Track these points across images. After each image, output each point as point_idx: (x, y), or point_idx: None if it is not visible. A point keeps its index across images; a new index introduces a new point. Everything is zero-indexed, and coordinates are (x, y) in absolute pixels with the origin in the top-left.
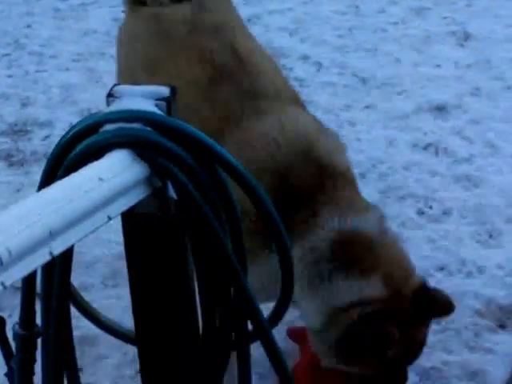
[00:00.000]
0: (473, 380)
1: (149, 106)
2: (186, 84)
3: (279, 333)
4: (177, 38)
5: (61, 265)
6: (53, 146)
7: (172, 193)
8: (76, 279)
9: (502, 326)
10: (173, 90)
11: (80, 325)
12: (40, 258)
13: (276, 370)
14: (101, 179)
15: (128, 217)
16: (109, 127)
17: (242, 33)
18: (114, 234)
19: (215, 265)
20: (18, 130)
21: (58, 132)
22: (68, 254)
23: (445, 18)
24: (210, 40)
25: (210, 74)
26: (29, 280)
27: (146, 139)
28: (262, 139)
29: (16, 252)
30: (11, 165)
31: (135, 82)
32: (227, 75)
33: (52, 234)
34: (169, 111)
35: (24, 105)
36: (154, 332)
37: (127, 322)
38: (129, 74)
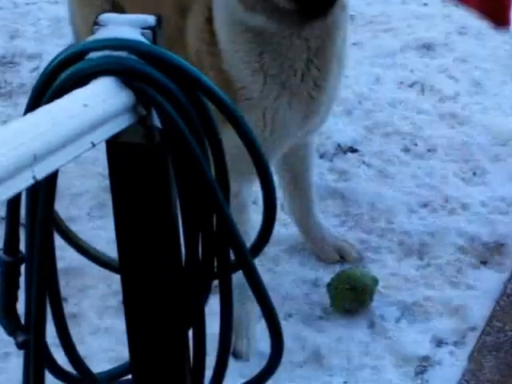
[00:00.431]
0: (454, 316)
1: (135, 35)
2: None
3: (261, 266)
4: None
5: (44, 191)
6: None
7: (156, 121)
8: (62, 211)
9: (484, 263)
10: (158, 19)
11: (65, 255)
12: (23, 182)
13: (258, 300)
14: (85, 105)
15: (112, 145)
16: (94, 55)
17: None
18: (102, 167)
19: (198, 193)
20: (7, 62)
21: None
22: (52, 180)
23: None
24: None
25: None
26: (13, 205)
27: (133, 67)
28: None
29: None
30: None
31: None
32: None
33: (36, 158)
34: (154, 40)
35: (13, 37)
36: (137, 260)
37: (112, 253)
38: None
